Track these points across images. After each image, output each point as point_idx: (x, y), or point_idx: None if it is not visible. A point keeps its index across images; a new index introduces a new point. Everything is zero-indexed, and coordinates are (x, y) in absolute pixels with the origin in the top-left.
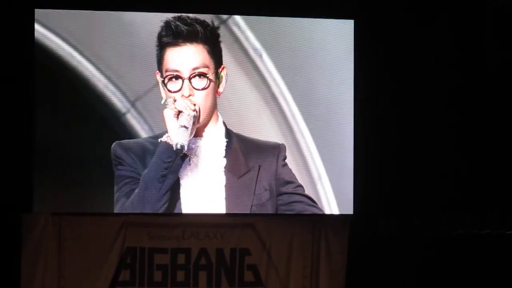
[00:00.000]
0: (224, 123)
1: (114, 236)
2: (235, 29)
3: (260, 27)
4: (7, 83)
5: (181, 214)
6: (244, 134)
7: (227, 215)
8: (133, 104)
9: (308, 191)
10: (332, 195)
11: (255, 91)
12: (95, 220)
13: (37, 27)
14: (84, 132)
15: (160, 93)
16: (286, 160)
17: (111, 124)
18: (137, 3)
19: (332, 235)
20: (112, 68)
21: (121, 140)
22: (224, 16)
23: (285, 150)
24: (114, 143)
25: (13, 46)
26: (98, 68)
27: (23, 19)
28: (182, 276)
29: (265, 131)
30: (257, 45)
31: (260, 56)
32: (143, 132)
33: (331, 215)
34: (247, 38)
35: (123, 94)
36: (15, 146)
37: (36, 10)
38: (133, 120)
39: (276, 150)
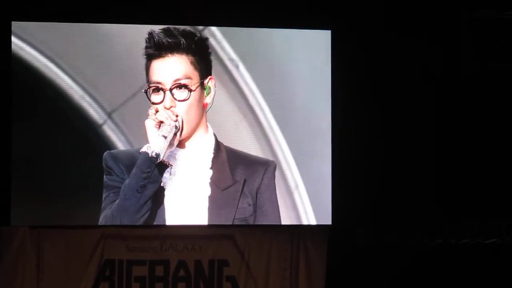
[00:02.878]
0: (214, 135)
1: (93, 249)
2: (211, 39)
3: (237, 38)
4: None
5: (159, 226)
6: (232, 147)
7: (205, 226)
8: (109, 115)
9: (285, 201)
10: (309, 205)
11: (232, 102)
12: (73, 233)
13: (13, 39)
14: (61, 144)
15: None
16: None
17: (88, 135)
18: (113, 16)
19: (311, 246)
20: (89, 79)
21: (101, 151)
22: (200, 27)
23: (275, 168)
24: (105, 152)
25: None
26: (74, 80)
27: (0, 32)
28: None
29: (242, 142)
30: (234, 56)
31: (237, 67)
32: (120, 143)
33: (310, 226)
34: (223, 49)
35: (100, 105)
36: None
37: (13, 22)
38: (110, 132)
39: (264, 166)
